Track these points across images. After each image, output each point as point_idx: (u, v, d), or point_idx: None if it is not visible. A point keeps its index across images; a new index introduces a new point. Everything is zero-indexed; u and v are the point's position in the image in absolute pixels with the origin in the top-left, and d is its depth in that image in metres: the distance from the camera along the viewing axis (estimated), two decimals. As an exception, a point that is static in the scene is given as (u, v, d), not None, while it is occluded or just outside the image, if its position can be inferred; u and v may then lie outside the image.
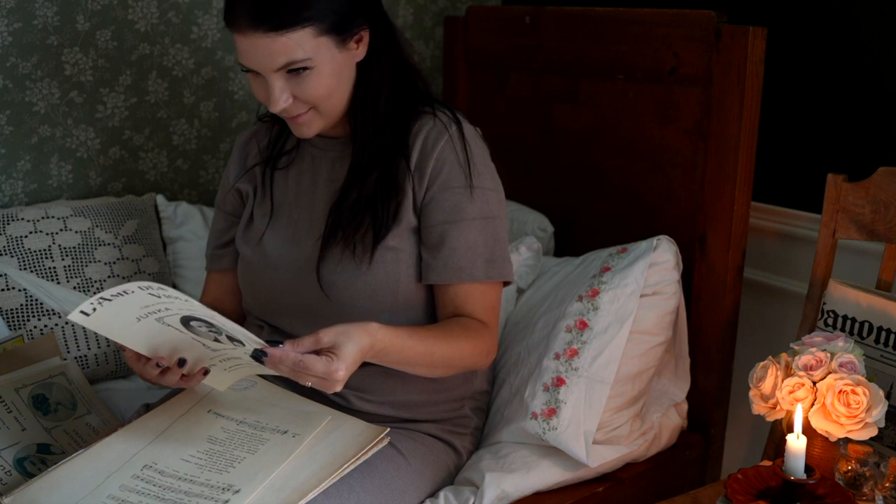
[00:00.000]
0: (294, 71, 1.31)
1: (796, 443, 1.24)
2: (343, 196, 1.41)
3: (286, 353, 1.16)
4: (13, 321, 1.72)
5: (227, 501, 1.18)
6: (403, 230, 1.41)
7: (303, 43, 1.29)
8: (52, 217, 1.82)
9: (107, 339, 1.79)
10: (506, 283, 1.48)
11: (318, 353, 1.18)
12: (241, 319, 1.60)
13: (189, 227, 2.00)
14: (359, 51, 1.37)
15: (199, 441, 1.30)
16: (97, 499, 1.21)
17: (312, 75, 1.32)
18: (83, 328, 1.77)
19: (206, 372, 1.25)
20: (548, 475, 1.51)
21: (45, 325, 1.74)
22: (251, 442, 1.29)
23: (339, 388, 1.19)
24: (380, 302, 1.40)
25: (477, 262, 1.40)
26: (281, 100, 1.33)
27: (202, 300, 1.62)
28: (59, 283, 1.76)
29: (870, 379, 1.33)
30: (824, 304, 1.55)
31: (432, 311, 1.46)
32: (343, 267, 1.40)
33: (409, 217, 1.41)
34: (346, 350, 1.19)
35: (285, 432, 1.30)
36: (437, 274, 1.40)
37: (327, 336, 1.19)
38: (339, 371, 1.17)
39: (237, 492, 1.20)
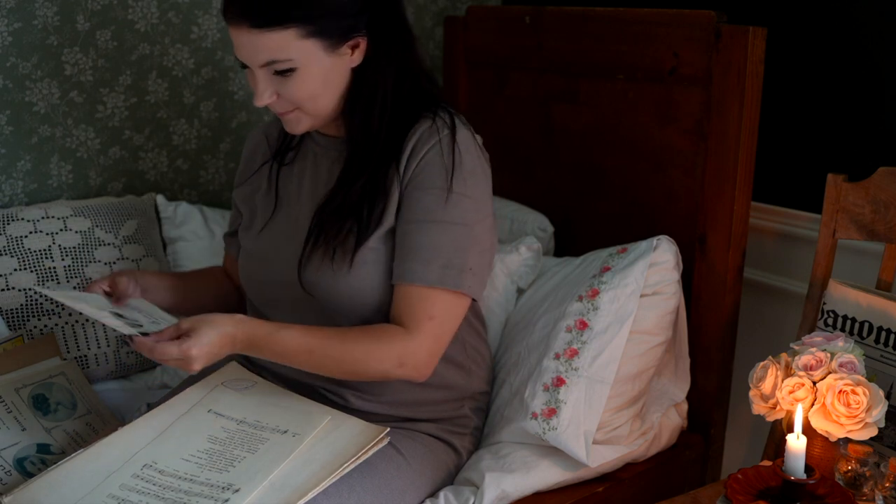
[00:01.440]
0: (279, 71, 1.32)
1: (796, 443, 1.24)
2: (328, 200, 1.42)
3: (143, 342, 1.26)
4: (13, 321, 1.72)
5: (227, 500, 1.18)
6: (385, 231, 1.40)
7: (286, 43, 1.29)
8: (52, 217, 1.82)
9: (107, 339, 1.79)
10: (474, 301, 1.44)
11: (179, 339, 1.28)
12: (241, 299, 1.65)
13: (189, 227, 2.00)
14: (354, 57, 1.36)
15: (200, 440, 1.30)
16: (97, 498, 1.21)
17: (296, 76, 1.32)
18: (83, 328, 1.77)
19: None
20: (548, 475, 1.51)
21: (45, 325, 1.74)
22: (251, 441, 1.29)
23: (197, 367, 1.26)
24: (363, 301, 1.40)
25: (432, 265, 1.36)
26: (264, 95, 1.34)
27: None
28: (59, 282, 1.76)
29: (870, 379, 1.33)
30: (824, 304, 1.55)
31: None
32: (324, 270, 1.40)
33: (390, 219, 1.40)
34: (202, 332, 1.26)
35: (285, 432, 1.30)
36: (395, 273, 1.39)
37: (186, 323, 1.28)
38: (192, 349, 1.24)
39: (237, 491, 1.20)
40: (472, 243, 1.39)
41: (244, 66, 1.35)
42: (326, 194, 1.43)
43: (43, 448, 1.47)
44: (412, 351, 1.35)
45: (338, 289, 1.39)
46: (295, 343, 1.32)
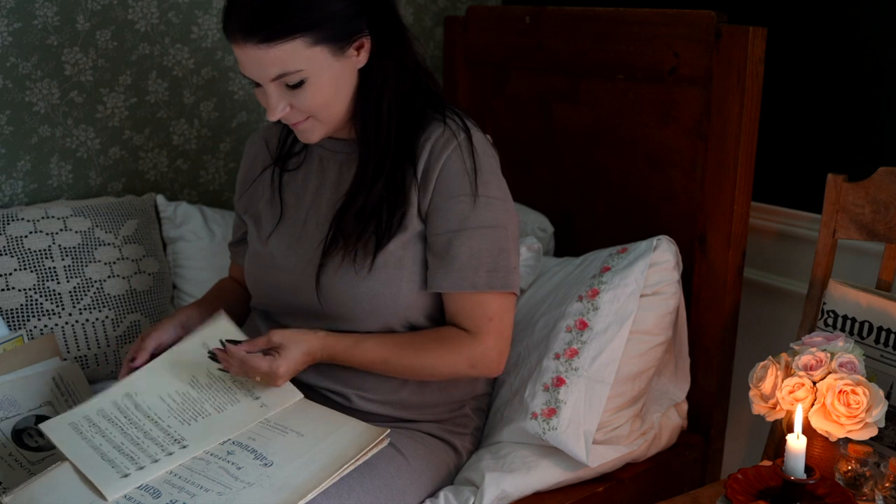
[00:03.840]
0: (290, 83, 1.31)
1: (796, 443, 1.24)
2: (346, 205, 1.41)
3: (236, 351, 1.33)
4: (13, 321, 1.72)
5: (171, 453, 1.27)
6: (409, 237, 1.40)
7: (295, 54, 1.28)
8: (52, 217, 1.82)
9: (106, 339, 1.79)
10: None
11: (267, 352, 1.36)
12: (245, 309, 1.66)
13: (189, 227, 2.00)
14: (360, 58, 1.36)
15: (181, 381, 1.38)
16: (76, 416, 1.31)
17: (308, 86, 1.31)
18: (83, 328, 1.77)
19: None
20: (548, 475, 1.51)
21: (45, 325, 1.74)
22: (223, 398, 1.37)
23: (281, 383, 1.35)
24: (380, 307, 1.40)
25: (479, 271, 1.39)
26: (278, 109, 1.34)
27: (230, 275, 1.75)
28: (58, 282, 1.76)
29: (870, 379, 1.33)
30: (824, 304, 1.55)
31: (436, 318, 1.46)
32: (343, 273, 1.40)
33: (414, 224, 1.40)
34: (291, 352, 1.35)
35: (257, 398, 1.38)
36: (440, 282, 1.40)
37: (277, 336, 1.36)
38: (280, 367, 1.33)
39: (184, 447, 1.28)
40: (511, 243, 1.42)
41: (255, 84, 1.34)
42: (343, 197, 1.42)
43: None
44: (481, 352, 1.41)
45: (357, 291, 1.39)
46: (371, 355, 1.40)
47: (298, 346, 1.36)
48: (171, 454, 1.26)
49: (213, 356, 1.36)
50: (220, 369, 1.38)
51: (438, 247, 1.40)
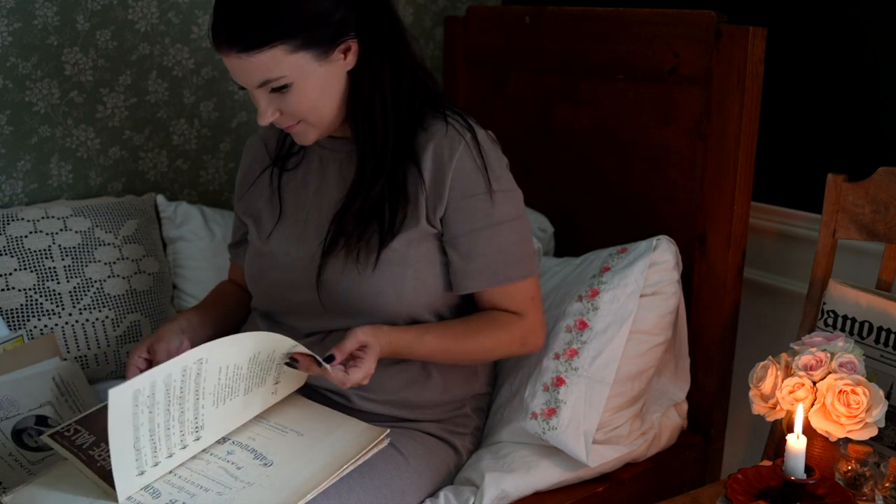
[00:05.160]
0: (276, 88, 1.32)
1: (796, 443, 1.24)
2: (346, 206, 1.41)
3: (336, 375, 1.28)
4: (13, 321, 1.72)
5: (185, 446, 1.24)
6: (415, 236, 1.40)
7: (276, 61, 1.29)
8: (52, 217, 1.82)
9: (107, 339, 1.79)
10: None
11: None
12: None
13: (189, 227, 2.00)
14: (347, 60, 1.35)
15: (245, 356, 1.27)
16: (145, 382, 1.15)
17: (293, 91, 1.32)
18: (83, 328, 1.77)
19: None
20: (548, 475, 1.51)
21: (45, 325, 1.74)
22: (251, 380, 1.30)
23: (367, 381, 1.33)
24: (382, 304, 1.41)
25: (510, 263, 1.42)
26: (267, 114, 1.35)
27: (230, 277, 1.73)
28: (58, 282, 1.76)
29: (870, 379, 1.33)
30: (824, 304, 1.55)
31: (441, 313, 1.47)
32: (347, 271, 1.40)
33: (421, 223, 1.40)
34: (374, 350, 1.33)
35: (277, 383, 1.36)
36: (473, 281, 1.42)
37: (363, 335, 1.33)
38: (372, 368, 1.31)
39: (197, 439, 1.26)
40: (528, 230, 1.47)
41: (243, 88, 1.36)
42: (344, 197, 1.42)
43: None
44: (529, 330, 1.48)
45: (361, 289, 1.40)
46: (431, 346, 1.42)
47: (378, 340, 1.35)
48: (185, 446, 1.24)
49: (291, 363, 1.30)
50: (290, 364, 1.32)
51: (464, 247, 1.41)
